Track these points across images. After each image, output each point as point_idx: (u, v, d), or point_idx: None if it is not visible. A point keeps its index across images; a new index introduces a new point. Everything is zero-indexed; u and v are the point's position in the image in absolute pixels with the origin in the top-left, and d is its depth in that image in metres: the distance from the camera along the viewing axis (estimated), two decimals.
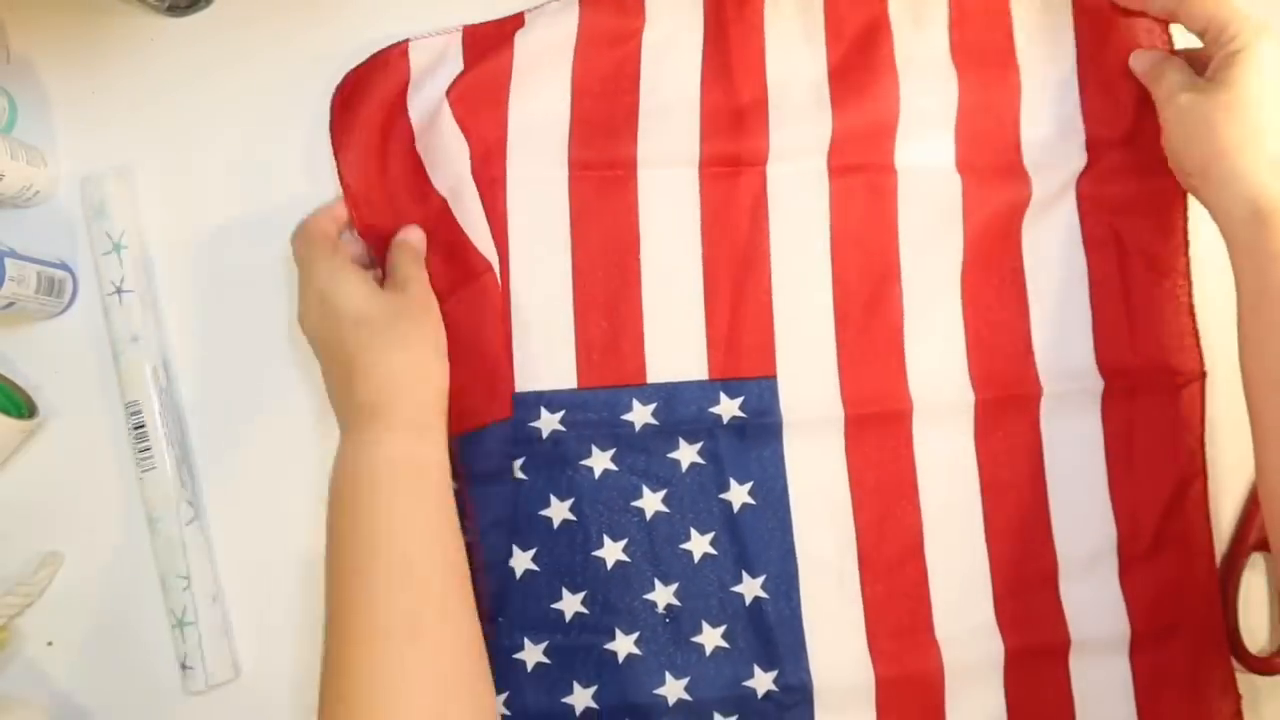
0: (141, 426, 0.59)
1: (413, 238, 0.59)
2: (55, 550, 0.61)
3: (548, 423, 0.60)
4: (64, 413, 0.62)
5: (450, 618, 0.50)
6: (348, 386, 0.54)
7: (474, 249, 0.59)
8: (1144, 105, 0.62)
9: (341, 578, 0.50)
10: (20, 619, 0.60)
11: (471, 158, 0.60)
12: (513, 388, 0.60)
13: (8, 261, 0.56)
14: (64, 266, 0.61)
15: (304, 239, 0.57)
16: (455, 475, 0.57)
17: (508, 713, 0.59)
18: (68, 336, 0.62)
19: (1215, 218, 0.57)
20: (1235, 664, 0.63)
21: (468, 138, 0.60)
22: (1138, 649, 0.61)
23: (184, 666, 0.59)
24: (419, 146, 0.60)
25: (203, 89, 0.63)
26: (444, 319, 0.57)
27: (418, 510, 0.52)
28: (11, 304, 0.57)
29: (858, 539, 0.61)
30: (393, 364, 0.54)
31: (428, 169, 0.60)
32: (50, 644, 0.61)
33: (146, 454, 0.59)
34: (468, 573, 0.52)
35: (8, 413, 0.59)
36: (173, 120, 0.63)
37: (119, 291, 0.60)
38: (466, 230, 0.60)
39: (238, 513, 0.62)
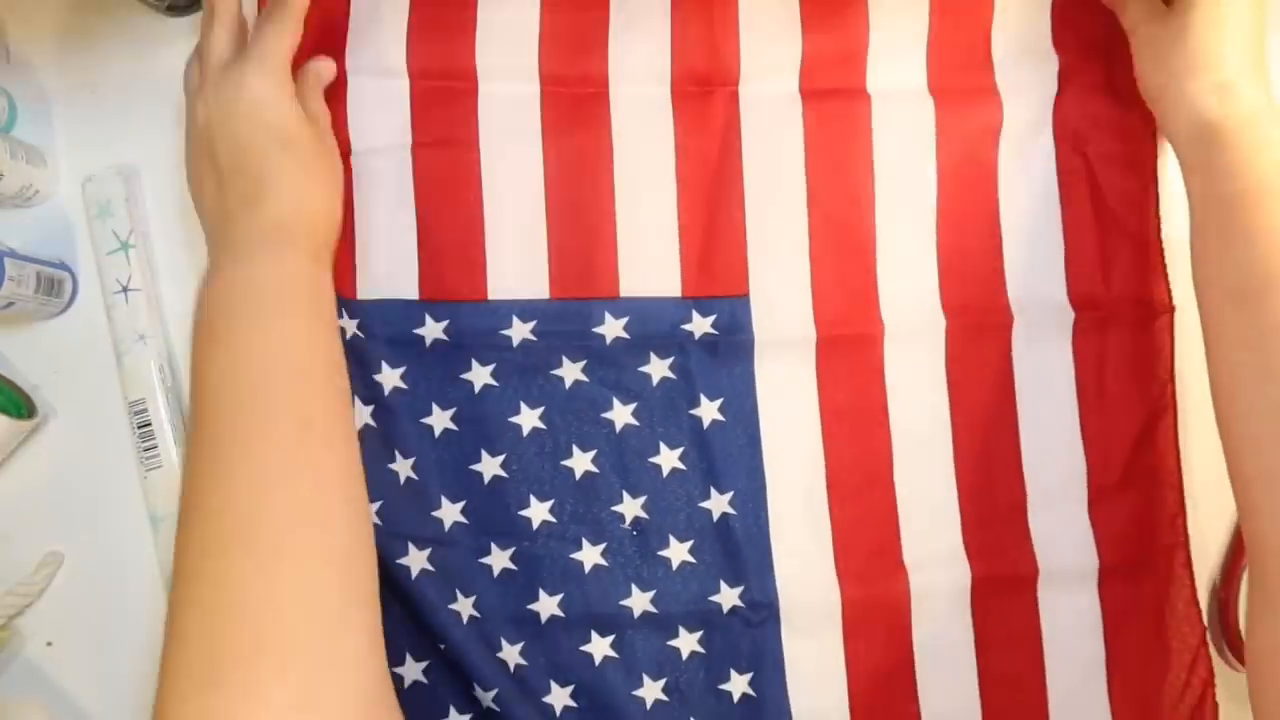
0: (147, 425, 0.60)
1: (323, 70, 0.59)
2: (55, 550, 0.61)
3: (519, 331, 0.61)
4: (64, 413, 0.62)
5: (339, 419, 0.51)
6: (252, 204, 0.53)
7: (341, 132, 0.60)
8: (1114, 34, 0.63)
9: (223, 387, 0.49)
10: (20, 619, 0.60)
11: (411, 45, 0.61)
12: (352, 272, 0.60)
13: (7, 261, 0.56)
14: (64, 266, 0.61)
15: (271, 41, 0.56)
16: None
17: (477, 614, 0.59)
18: (68, 336, 0.62)
19: (1169, 140, 0.60)
20: (1236, 664, 0.63)
21: (417, 26, 0.61)
22: (1106, 582, 0.62)
23: None
24: (352, 17, 0.61)
25: None
26: None
27: (314, 326, 0.52)
28: (11, 304, 0.57)
29: (826, 460, 0.62)
30: (307, 193, 0.55)
31: (349, 42, 0.61)
32: (50, 644, 0.61)
33: (152, 452, 0.60)
34: (350, 399, 0.54)
35: (8, 413, 0.58)
36: (173, 120, 0.63)
37: (125, 290, 0.60)
38: (350, 111, 0.60)
39: None
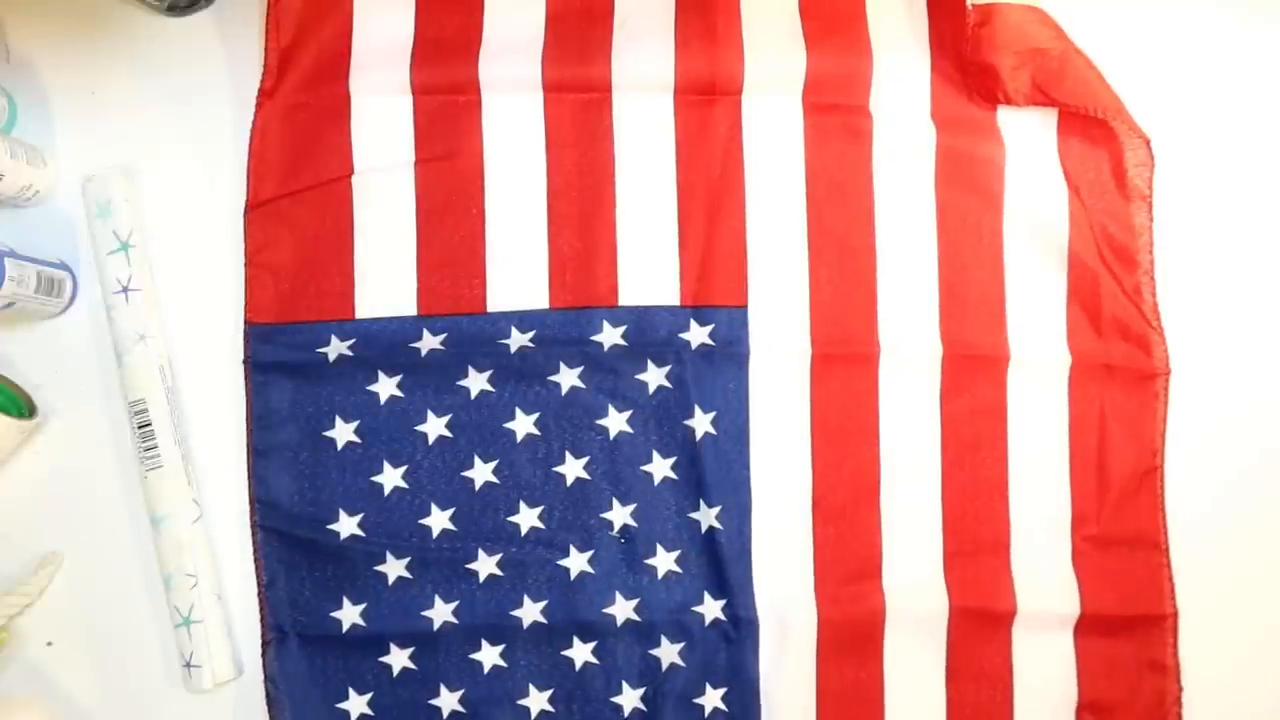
0: (148, 425, 0.60)
1: None
2: (55, 550, 0.61)
3: (517, 340, 0.61)
4: (64, 413, 0.62)
5: None
6: None
7: (345, 152, 0.61)
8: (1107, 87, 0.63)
9: None
10: (20, 619, 0.60)
11: (415, 62, 0.61)
12: (350, 293, 0.61)
13: (8, 261, 0.56)
14: (64, 266, 0.61)
15: None
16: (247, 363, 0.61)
17: (455, 621, 0.60)
18: (68, 336, 0.62)
19: None
20: None
21: (422, 43, 0.61)
22: (1084, 630, 0.62)
23: (188, 665, 0.59)
24: (355, 35, 0.62)
25: (203, 89, 0.63)
26: (290, 213, 0.61)
27: None
28: (11, 304, 0.57)
29: (814, 478, 0.62)
30: None
31: (352, 61, 0.61)
32: (50, 644, 0.61)
33: (152, 452, 0.60)
34: None
35: (8, 413, 0.58)
36: (173, 120, 0.63)
37: (125, 290, 0.60)
38: (354, 130, 0.61)
39: (237, 513, 0.61)
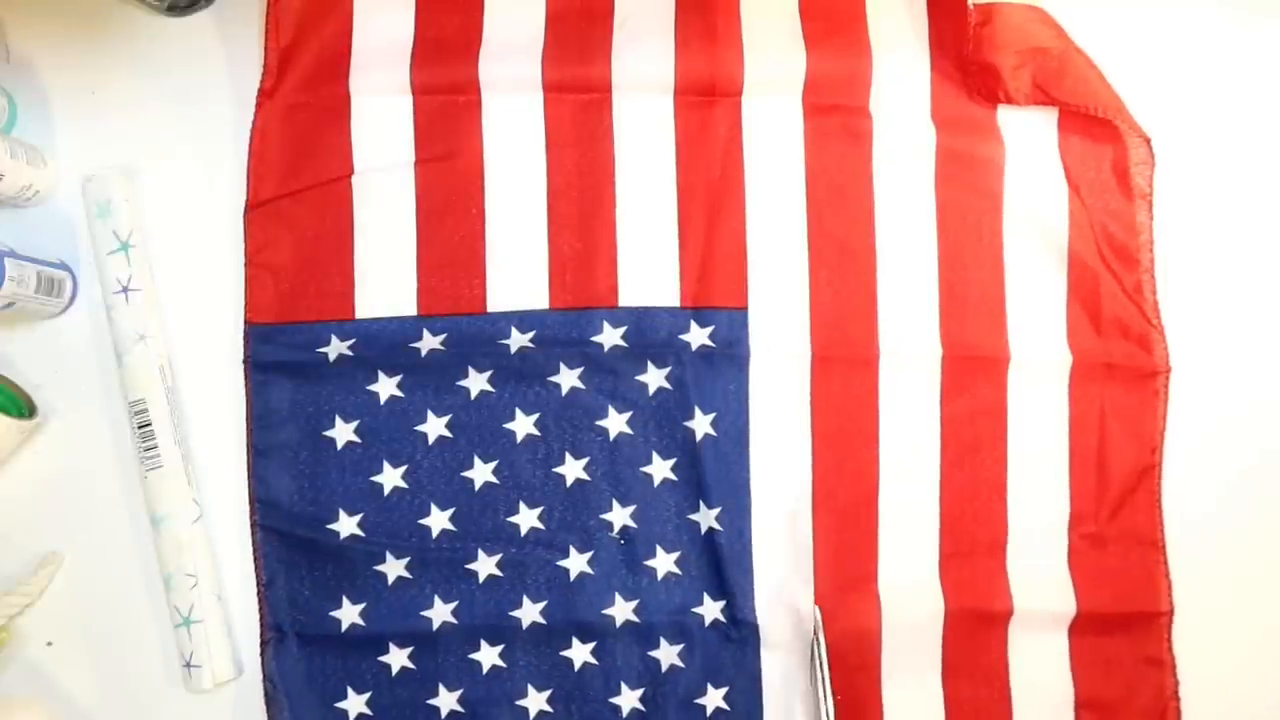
0: (148, 425, 0.60)
1: None
2: (55, 550, 0.61)
3: (517, 340, 0.61)
4: (64, 413, 0.62)
5: None
6: None
7: (345, 152, 0.61)
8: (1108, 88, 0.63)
9: None
10: (20, 619, 0.60)
11: (415, 62, 0.61)
12: (350, 293, 0.61)
13: (8, 261, 0.56)
14: (64, 266, 0.61)
15: None
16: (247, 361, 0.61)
17: (455, 621, 0.60)
18: (68, 336, 0.62)
19: None
20: None
21: (422, 43, 0.62)
22: (1078, 630, 0.63)
23: (188, 665, 0.59)
24: (355, 35, 0.62)
25: (203, 89, 0.63)
26: (290, 213, 0.61)
27: None
28: (11, 304, 0.57)
29: (813, 481, 0.62)
30: None
31: (352, 61, 0.62)
32: (50, 644, 0.61)
33: (152, 452, 0.60)
34: None
35: (8, 413, 0.58)
36: (173, 120, 0.63)
37: (125, 290, 0.60)
38: (354, 130, 0.61)
39: (237, 513, 0.61)
